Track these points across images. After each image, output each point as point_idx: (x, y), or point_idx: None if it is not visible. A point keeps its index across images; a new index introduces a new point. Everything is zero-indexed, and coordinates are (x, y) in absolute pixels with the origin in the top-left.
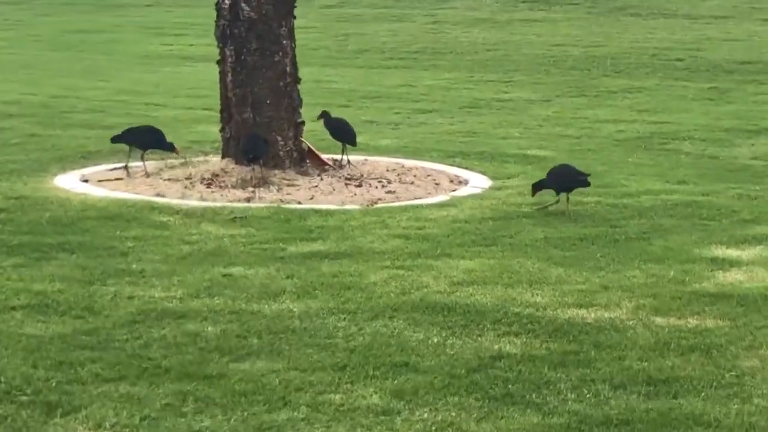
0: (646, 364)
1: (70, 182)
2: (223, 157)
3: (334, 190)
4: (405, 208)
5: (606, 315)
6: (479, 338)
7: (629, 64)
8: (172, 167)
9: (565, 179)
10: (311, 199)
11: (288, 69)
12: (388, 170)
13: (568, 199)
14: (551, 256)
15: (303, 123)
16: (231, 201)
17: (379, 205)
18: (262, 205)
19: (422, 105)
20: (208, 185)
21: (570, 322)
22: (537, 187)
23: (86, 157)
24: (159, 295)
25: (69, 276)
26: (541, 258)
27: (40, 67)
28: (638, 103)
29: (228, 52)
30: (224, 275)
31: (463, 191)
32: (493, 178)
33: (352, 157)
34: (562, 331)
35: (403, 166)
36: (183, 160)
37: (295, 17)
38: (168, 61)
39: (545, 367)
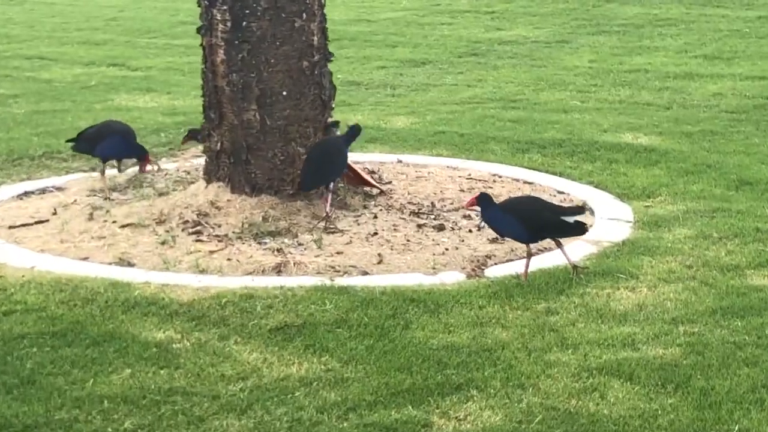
0: None
1: None
2: (208, 181)
3: (408, 241)
4: (551, 280)
5: None
6: None
7: None
8: (123, 192)
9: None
10: (379, 263)
11: (315, 40)
12: (461, 189)
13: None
14: None
15: (336, 125)
16: (249, 272)
17: (494, 270)
18: (308, 281)
19: (405, 52)
20: (196, 233)
21: None
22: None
23: None
24: None
25: None
26: None
27: None
28: (689, 44)
29: (219, 16)
30: None
31: (601, 231)
32: (619, 195)
33: (380, 157)
34: None
35: (470, 176)
36: (130, 175)
37: None
38: None
39: None
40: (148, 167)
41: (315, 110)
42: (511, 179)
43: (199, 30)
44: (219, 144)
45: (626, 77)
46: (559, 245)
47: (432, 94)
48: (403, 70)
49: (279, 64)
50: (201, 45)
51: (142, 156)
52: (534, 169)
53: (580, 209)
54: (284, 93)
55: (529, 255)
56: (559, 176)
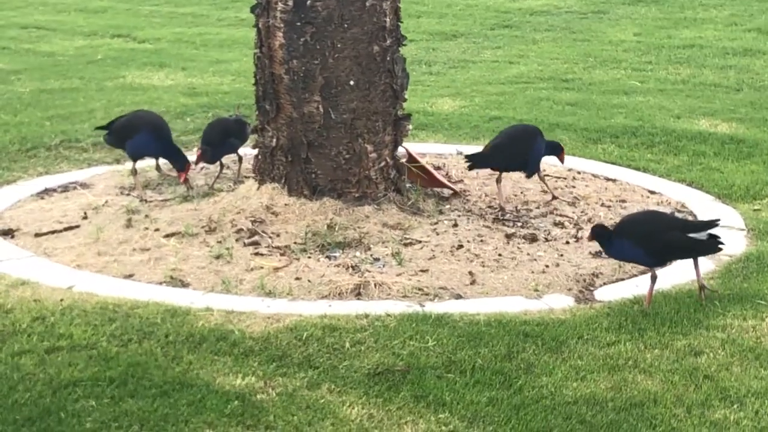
0: None
1: None
2: (261, 181)
3: (499, 255)
4: (679, 307)
5: None
6: None
7: None
8: (157, 189)
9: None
10: (472, 283)
11: (388, 21)
12: (543, 189)
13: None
14: None
15: (408, 118)
16: (324, 295)
17: (604, 291)
18: (395, 308)
19: (432, 23)
20: (254, 244)
21: None
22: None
23: None
24: None
25: None
26: None
27: None
28: (737, 16)
29: None
30: None
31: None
32: (719, 196)
33: (436, 147)
34: None
35: (546, 173)
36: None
37: None
38: None
39: None
40: (187, 178)
41: (385, 102)
42: (591, 176)
43: (253, 9)
44: (274, 140)
45: (681, 53)
46: (694, 262)
47: (473, 72)
48: (434, 44)
49: (346, 49)
50: (255, 26)
51: (182, 166)
52: (612, 163)
53: (712, 223)
54: (351, 82)
55: (654, 278)
56: (643, 172)
